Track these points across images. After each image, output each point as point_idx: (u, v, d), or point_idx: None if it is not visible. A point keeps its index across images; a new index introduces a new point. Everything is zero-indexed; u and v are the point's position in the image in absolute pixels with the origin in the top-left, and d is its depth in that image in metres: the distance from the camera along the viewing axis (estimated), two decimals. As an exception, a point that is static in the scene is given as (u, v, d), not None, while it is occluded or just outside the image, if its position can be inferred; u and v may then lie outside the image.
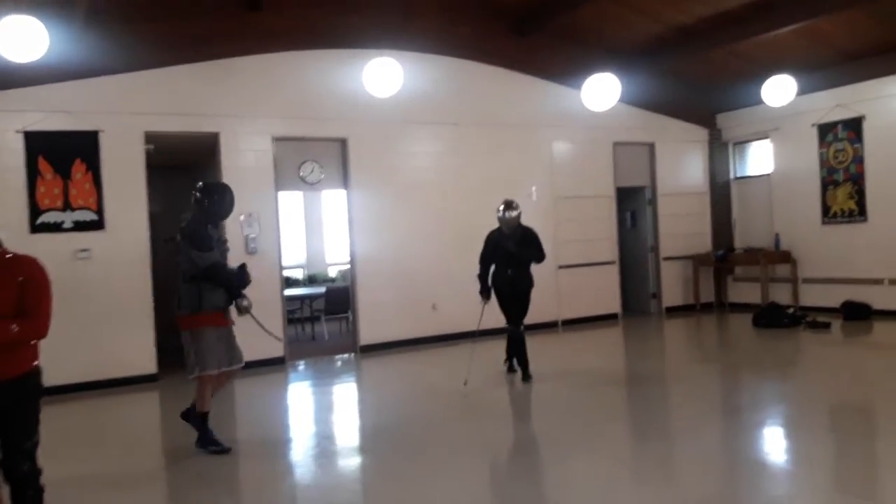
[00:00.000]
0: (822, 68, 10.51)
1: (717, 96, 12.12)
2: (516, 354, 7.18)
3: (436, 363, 8.59)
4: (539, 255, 7.09)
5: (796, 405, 5.92)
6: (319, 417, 6.56)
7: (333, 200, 12.68)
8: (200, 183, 5.25)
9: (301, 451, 5.33)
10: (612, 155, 11.43)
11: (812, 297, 10.94)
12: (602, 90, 8.89)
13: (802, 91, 10.00)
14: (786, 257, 11.32)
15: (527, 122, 10.62)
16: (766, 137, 11.89)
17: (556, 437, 5.22)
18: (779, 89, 9.66)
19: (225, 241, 5.41)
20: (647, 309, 12.02)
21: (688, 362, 8.62)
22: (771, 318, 9.91)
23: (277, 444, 5.47)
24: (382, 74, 7.85)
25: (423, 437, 5.32)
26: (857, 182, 10.48)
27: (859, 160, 10.47)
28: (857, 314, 9.95)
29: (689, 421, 5.46)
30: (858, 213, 10.51)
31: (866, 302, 10.06)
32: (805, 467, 4.33)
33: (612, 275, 11.43)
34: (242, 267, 5.17)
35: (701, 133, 12.45)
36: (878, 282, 10.18)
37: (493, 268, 7.10)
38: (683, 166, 12.28)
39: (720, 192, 12.50)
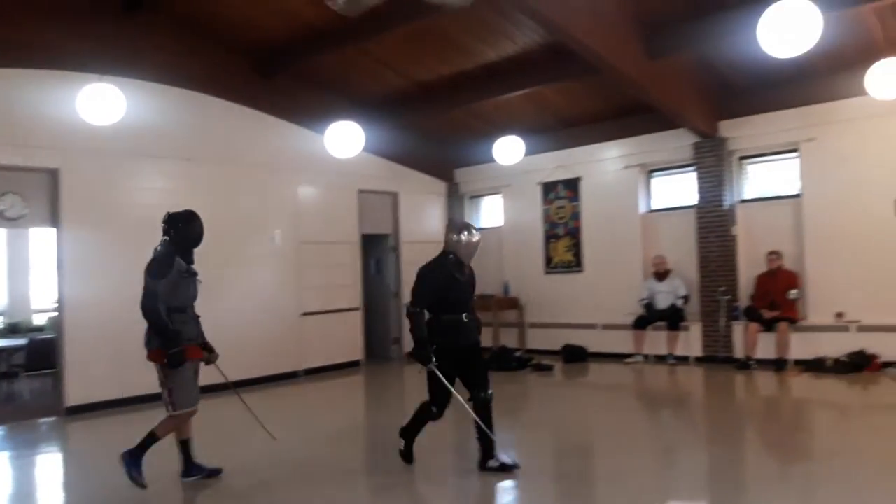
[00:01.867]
0: (546, 132, 11.53)
1: (455, 152, 12.76)
2: (483, 427, 5.17)
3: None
4: None
5: (524, 451, 6.12)
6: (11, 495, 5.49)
7: (43, 239, 11.13)
8: (166, 213, 5.15)
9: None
10: (358, 202, 11.44)
11: (537, 340, 11.77)
12: (346, 137, 8.88)
13: (530, 151, 10.87)
14: (514, 303, 12.09)
15: (271, 164, 10.24)
16: (498, 192, 12.73)
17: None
18: (509, 149, 10.40)
19: (195, 274, 5.17)
20: (389, 354, 12.08)
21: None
22: (501, 361, 10.41)
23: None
24: (101, 100, 7.07)
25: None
26: (575, 236, 11.57)
27: (576, 216, 11.58)
28: (575, 356, 10.87)
29: (427, 472, 5.38)
30: (575, 263, 11.58)
31: (583, 345, 11.04)
32: None
33: (356, 321, 11.33)
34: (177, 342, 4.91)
35: (441, 186, 13.00)
36: (592, 326, 11.23)
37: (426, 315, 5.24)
38: (425, 216, 12.67)
39: (458, 242, 13.07)
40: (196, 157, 9.38)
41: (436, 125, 11.90)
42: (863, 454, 5.40)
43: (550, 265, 11.91)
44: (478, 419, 5.09)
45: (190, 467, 5.19)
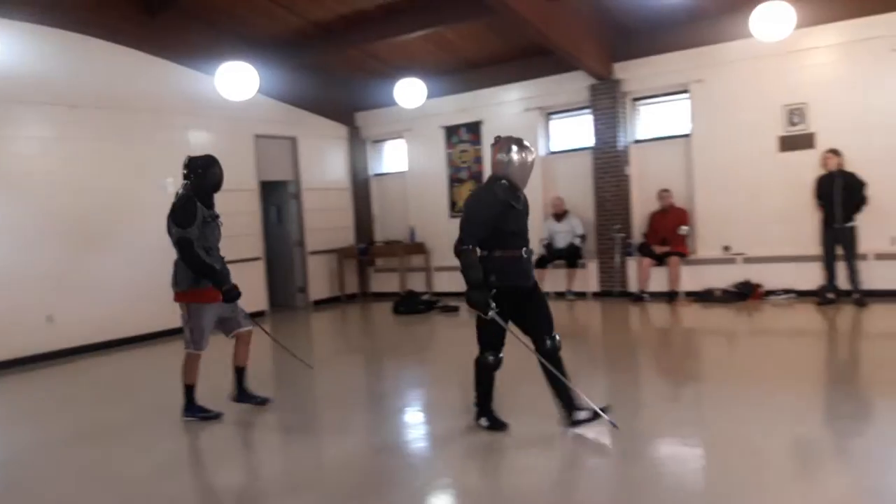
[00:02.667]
0: (448, 74, 11.46)
1: (355, 95, 12.51)
2: (556, 381, 4.41)
3: (51, 387, 7.34)
4: None
5: (433, 387, 6.26)
6: None
7: None
8: (187, 157, 5.18)
9: None
10: (255, 147, 11.09)
11: (443, 283, 11.90)
12: (239, 79, 8.53)
13: (432, 94, 10.77)
14: (420, 248, 12.15)
15: (158, 108, 9.73)
16: (400, 137, 12.62)
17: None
18: (410, 92, 10.26)
19: (217, 217, 5.20)
20: (294, 303, 11.95)
21: (334, 353, 8.70)
22: (409, 305, 10.52)
23: None
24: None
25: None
26: (479, 180, 11.65)
27: (479, 160, 11.66)
28: (480, 298, 11.07)
29: (339, 412, 5.41)
30: (479, 207, 11.68)
31: (487, 286, 11.24)
32: (440, 449, 4.53)
33: (259, 270, 11.10)
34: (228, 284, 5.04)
35: (342, 130, 12.76)
36: (496, 268, 11.42)
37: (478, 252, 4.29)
38: (326, 162, 12.45)
39: (361, 188, 12.96)
40: (78, 104, 8.79)
41: (334, 67, 11.60)
42: (748, 374, 5.81)
43: (455, 209, 11.99)
44: (552, 368, 4.34)
45: (190, 406, 5.27)
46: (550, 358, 4.35)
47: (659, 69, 10.01)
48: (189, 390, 5.25)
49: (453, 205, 11.99)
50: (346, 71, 11.77)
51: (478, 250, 4.24)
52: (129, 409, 5.92)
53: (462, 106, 11.68)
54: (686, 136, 10.06)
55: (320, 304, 12.04)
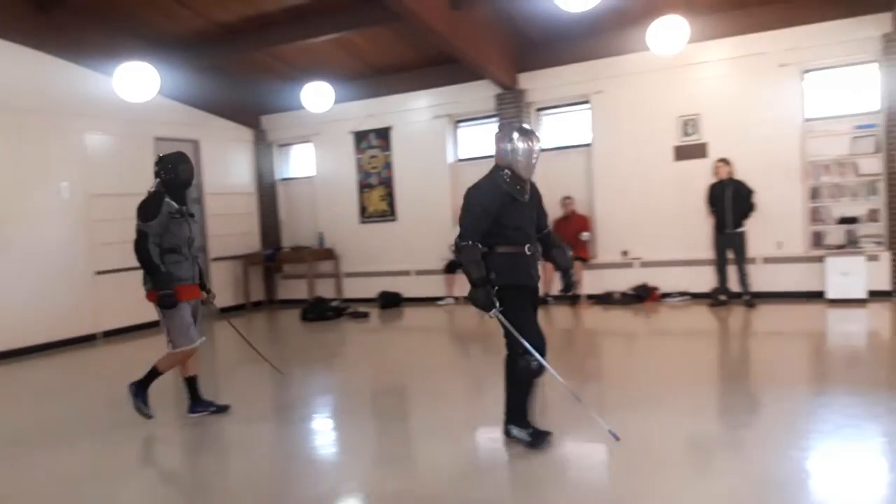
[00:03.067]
0: (357, 79, 11.44)
1: (261, 98, 12.30)
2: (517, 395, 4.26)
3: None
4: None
5: (341, 394, 6.23)
6: None
7: None
8: (157, 155, 5.21)
9: None
10: (154, 150, 10.68)
11: (353, 289, 11.86)
12: (139, 80, 8.27)
13: (341, 99, 10.74)
14: (329, 254, 12.06)
15: (53, 109, 9.29)
16: (308, 141, 12.49)
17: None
18: (318, 96, 10.20)
19: (189, 214, 5.16)
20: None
21: (238, 362, 8.50)
22: (317, 311, 10.42)
23: None
24: None
25: None
26: (388, 185, 11.68)
27: (389, 166, 11.68)
28: (391, 302, 11.11)
29: (242, 424, 5.30)
30: (389, 212, 11.73)
31: (398, 291, 11.29)
32: (349, 454, 4.52)
33: (159, 278, 10.73)
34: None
35: (247, 133, 12.53)
36: (406, 273, 11.49)
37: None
38: (230, 166, 12.18)
39: (267, 193, 12.74)
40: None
41: (239, 69, 11.38)
42: (646, 373, 6.08)
43: (365, 215, 11.97)
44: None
45: (195, 403, 5.31)
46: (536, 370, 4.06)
47: (561, 80, 10.34)
48: (190, 384, 5.29)
49: (363, 210, 11.96)
50: (252, 73, 11.56)
51: (479, 246, 3.96)
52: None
53: (371, 111, 11.68)
54: (587, 145, 10.41)
55: (226, 311, 11.66)
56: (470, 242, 3.94)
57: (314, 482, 3.98)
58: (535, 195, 4.23)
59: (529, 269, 4.12)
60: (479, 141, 11.27)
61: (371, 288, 11.56)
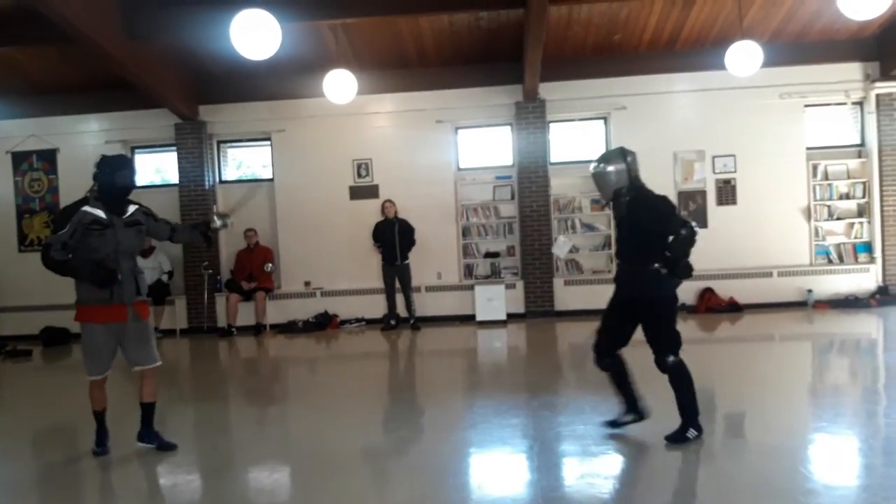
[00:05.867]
0: (17, 96, 10.54)
1: None
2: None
3: None
4: None
5: None
6: None
7: None
8: (100, 156, 4.75)
9: None
10: None
11: (13, 325, 10.74)
12: None
13: (-4, 116, 9.81)
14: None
15: None
16: (-49, 160, 11.08)
17: None
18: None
19: (109, 226, 4.56)
20: None
21: None
22: (-36, 352, 9.29)
23: None
24: None
25: None
26: (53, 211, 10.88)
27: (54, 190, 10.90)
28: (57, 339, 10.28)
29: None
30: (54, 242, 10.88)
31: (65, 327, 10.46)
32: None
33: None
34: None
35: None
36: (70, 306, 10.70)
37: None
38: None
39: None
40: None
41: None
42: (326, 393, 6.68)
43: (25, 243, 10.95)
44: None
45: (102, 438, 4.83)
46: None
47: (243, 116, 10.75)
48: (97, 417, 4.82)
49: (24, 238, 10.95)
50: None
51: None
52: None
53: (33, 132, 10.80)
54: (270, 180, 10.89)
55: None
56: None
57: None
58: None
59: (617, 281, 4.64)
60: (157, 169, 11.10)
61: (32, 323, 10.58)
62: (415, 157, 10.54)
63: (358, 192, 10.65)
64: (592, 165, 4.61)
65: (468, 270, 10.83)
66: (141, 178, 11.09)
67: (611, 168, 4.46)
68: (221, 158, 11.05)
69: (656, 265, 4.30)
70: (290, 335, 10.16)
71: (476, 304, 10.31)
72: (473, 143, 10.89)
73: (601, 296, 10.20)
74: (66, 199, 10.84)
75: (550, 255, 10.37)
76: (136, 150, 11.11)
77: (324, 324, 10.40)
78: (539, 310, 10.45)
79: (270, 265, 10.54)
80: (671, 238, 4.26)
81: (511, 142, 10.68)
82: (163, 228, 5.00)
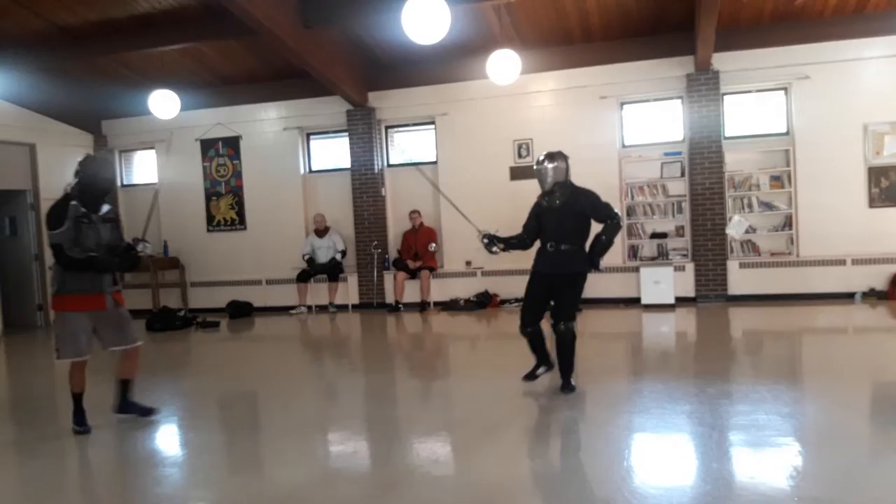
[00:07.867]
0: (204, 88, 11.43)
1: (104, 103, 11.95)
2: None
3: None
4: None
5: (190, 403, 6.24)
6: None
7: None
8: (84, 154, 5.11)
9: None
10: (-16, 154, 10.15)
11: (200, 299, 11.76)
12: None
13: (188, 107, 10.68)
14: (174, 263, 11.88)
15: None
16: (151, 147, 12.25)
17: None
18: (164, 103, 10.09)
19: (104, 220, 4.97)
20: (35, 322, 11.06)
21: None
22: (164, 321, 10.28)
23: None
24: None
25: None
26: (237, 194, 11.74)
27: (238, 175, 11.74)
28: (241, 312, 11.15)
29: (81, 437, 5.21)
30: (239, 222, 11.78)
31: (248, 301, 11.36)
32: (200, 460, 4.59)
33: (-13, 288, 10.15)
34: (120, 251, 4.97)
35: (86, 138, 12.11)
36: (257, 282, 11.59)
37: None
38: (68, 171, 11.54)
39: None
40: None
41: (81, 73, 11.00)
42: (487, 370, 6.73)
43: (213, 223, 11.92)
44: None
45: (81, 417, 5.06)
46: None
47: (409, 101, 10.98)
48: (75, 398, 5.06)
49: (211, 219, 11.92)
50: (94, 78, 11.20)
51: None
52: None
53: (219, 120, 11.69)
54: (433, 163, 11.09)
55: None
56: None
57: (164, 486, 4.05)
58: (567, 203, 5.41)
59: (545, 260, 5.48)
60: (332, 153, 11.65)
61: (219, 298, 11.54)
62: (577, 136, 10.28)
63: (518, 173, 10.58)
64: (537, 160, 5.50)
65: (632, 252, 10.47)
66: (316, 163, 11.72)
67: (555, 165, 5.39)
68: (389, 143, 11.40)
69: (580, 246, 5.33)
70: (452, 312, 10.35)
71: (641, 286, 9.95)
72: (639, 118, 10.47)
73: (780, 280, 9.74)
74: (249, 182, 11.69)
75: (724, 236, 9.79)
76: (311, 136, 11.70)
77: (484, 303, 10.49)
78: (711, 293, 9.91)
79: (434, 245, 10.77)
80: (603, 225, 5.26)
81: (681, 116, 10.15)
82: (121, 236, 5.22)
